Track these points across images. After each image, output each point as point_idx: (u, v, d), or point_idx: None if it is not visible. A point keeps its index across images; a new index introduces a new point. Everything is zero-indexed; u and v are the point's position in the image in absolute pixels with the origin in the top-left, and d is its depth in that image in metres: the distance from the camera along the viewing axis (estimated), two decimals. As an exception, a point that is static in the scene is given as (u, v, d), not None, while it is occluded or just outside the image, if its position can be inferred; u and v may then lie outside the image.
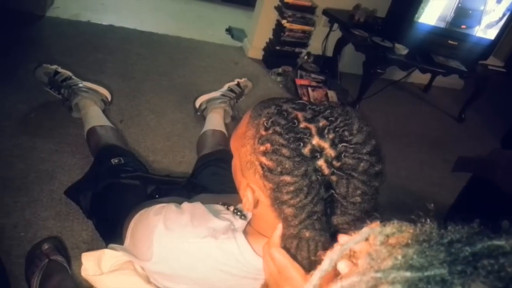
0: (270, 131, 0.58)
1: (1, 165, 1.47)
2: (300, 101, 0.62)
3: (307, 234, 0.56)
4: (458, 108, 3.09)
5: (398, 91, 3.15)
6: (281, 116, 0.59)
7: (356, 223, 0.58)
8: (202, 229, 0.70)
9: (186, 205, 0.78)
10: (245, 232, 0.70)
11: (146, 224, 0.76)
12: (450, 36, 2.61)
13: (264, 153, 0.58)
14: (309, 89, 2.65)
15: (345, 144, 0.56)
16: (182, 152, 1.82)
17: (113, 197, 1.24)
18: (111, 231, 1.08)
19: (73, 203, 1.38)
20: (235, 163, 0.69)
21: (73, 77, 1.82)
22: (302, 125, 0.58)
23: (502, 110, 3.37)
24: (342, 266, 0.36)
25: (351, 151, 0.56)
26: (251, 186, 0.63)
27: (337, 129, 0.57)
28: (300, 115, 0.59)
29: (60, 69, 1.81)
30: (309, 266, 0.57)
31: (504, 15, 2.61)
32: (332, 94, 2.66)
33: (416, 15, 2.48)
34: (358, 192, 0.56)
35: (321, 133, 0.57)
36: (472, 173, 1.81)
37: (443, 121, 3.05)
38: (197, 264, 0.70)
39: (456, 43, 2.63)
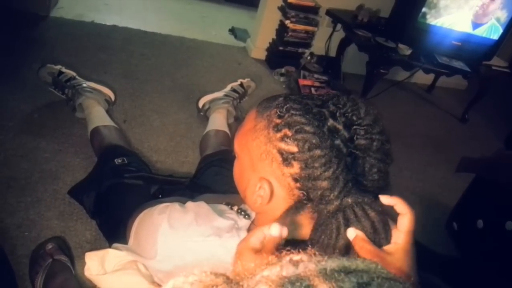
0: (287, 116, 0.59)
1: (5, 165, 1.47)
2: (304, 94, 0.66)
3: (350, 200, 0.56)
4: (461, 109, 3.08)
5: (402, 91, 3.15)
6: (294, 103, 0.61)
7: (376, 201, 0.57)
8: (206, 228, 0.70)
9: (190, 204, 0.78)
10: (249, 231, 0.70)
11: (150, 223, 0.77)
12: (454, 36, 2.61)
13: (283, 138, 0.59)
14: (312, 89, 2.64)
15: (356, 126, 0.59)
16: (185, 152, 1.83)
17: (117, 197, 1.25)
18: (114, 231, 1.08)
19: (77, 203, 1.38)
20: (241, 163, 0.68)
21: (77, 77, 1.82)
22: (315, 110, 0.60)
23: (506, 110, 3.36)
24: None
25: (363, 132, 0.59)
26: (267, 179, 0.62)
27: (346, 114, 0.60)
28: (310, 102, 0.61)
29: (64, 69, 1.81)
30: (373, 229, 0.55)
31: (508, 15, 2.60)
32: (335, 95, 2.66)
33: (420, 16, 2.47)
34: (375, 169, 0.59)
35: (333, 116, 0.59)
36: (475, 174, 1.81)
37: (447, 122, 3.04)
38: (202, 263, 0.70)
39: (459, 43, 2.63)
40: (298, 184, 0.59)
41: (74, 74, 1.83)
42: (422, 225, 1.86)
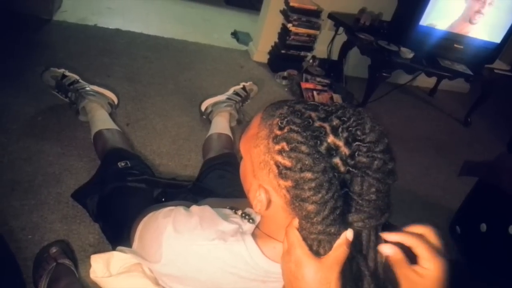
0: (286, 130, 0.58)
1: (9, 168, 1.48)
2: (311, 102, 0.63)
3: (332, 229, 0.56)
4: (464, 112, 3.08)
5: (404, 94, 3.15)
6: (296, 116, 0.59)
7: (371, 221, 0.58)
8: (211, 232, 0.70)
9: (195, 208, 0.78)
10: (253, 235, 0.71)
11: (155, 227, 0.77)
12: (456, 39, 2.61)
13: (280, 152, 0.58)
14: (315, 92, 2.65)
15: (358, 143, 0.57)
16: (188, 156, 1.83)
17: (120, 200, 1.25)
18: (117, 234, 1.08)
19: (80, 206, 1.39)
20: (245, 165, 0.69)
21: (80, 80, 1.83)
22: (317, 124, 0.58)
23: (509, 114, 3.36)
24: None
25: (365, 149, 0.57)
26: (264, 187, 0.63)
27: (350, 128, 0.58)
28: (313, 114, 0.59)
29: (67, 73, 1.82)
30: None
31: (510, 18, 2.60)
32: (337, 98, 2.66)
33: (422, 19, 2.48)
34: (373, 189, 0.57)
35: (335, 132, 0.58)
36: (478, 178, 1.81)
37: (449, 125, 3.04)
38: (206, 267, 0.70)
39: (462, 46, 2.63)
40: (290, 198, 0.59)
41: (77, 77, 1.84)
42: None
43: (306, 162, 0.55)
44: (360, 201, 0.57)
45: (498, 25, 2.63)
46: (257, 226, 0.73)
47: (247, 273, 0.68)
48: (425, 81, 3.24)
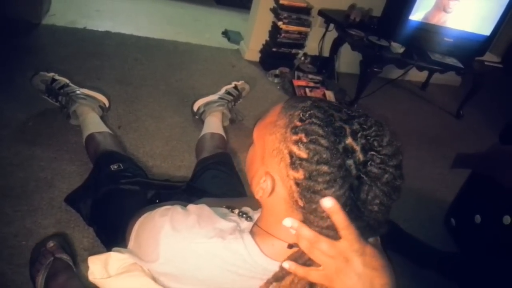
0: (306, 122, 0.59)
1: (1, 174, 1.46)
2: (336, 103, 0.64)
3: None
4: (456, 105, 3.10)
5: (396, 89, 3.16)
6: (319, 111, 0.60)
7: (366, 231, 0.58)
8: (209, 230, 0.70)
9: (192, 206, 0.78)
10: (252, 232, 0.71)
11: (152, 226, 0.76)
12: (446, 33, 2.62)
13: (296, 142, 0.58)
14: (307, 89, 2.65)
15: (374, 152, 0.58)
16: (181, 156, 1.82)
17: (113, 203, 1.24)
18: (112, 238, 1.08)
19: (74, 210, 1.38)
20: (255, 151, 0.69)
21: (70, 84, 1.82)
22: (338, 123, 0.59)
23: (500, 105, 3.38)
24: None
25: (378, 161, 0.57)
26: (271, 174, 0.63)
27: (368, 137, 0.58)
28: (336, 114, 0.60)
29: (57, 77, 1.81)
30: None
31: (499, 10, 2.62)
32: (329, 94, 2.67)
33: (411, 13, 2.48)
34: (377, 201, 0.58)
35: (354, 136, 0.58)
36: (471, 170, 1.81)
37: (442, 118, 3.06)
38: (205, 265, 0.70)
39: (451, 40, 2.64)
40: (298, 189, 0.59)
41: (68, 81, 1.82)
42: (420, 222, 1.88)
43: (324, 156, 0.56)
44: (362, 209, 0.58)
45: (488, 17, 2.64)
46: (255, 224, 0.73)
47: (246, 271, 0.68)
48: (416, 75, 3.25)
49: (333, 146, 0.57)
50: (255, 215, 0.77)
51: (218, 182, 1.45)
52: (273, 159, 0.63)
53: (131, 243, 0.85)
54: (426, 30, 2.57)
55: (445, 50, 2.65)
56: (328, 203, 0.54)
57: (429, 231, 1.85)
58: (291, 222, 0.58)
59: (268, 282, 0.63)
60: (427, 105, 3.20)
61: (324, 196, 0.56)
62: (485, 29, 2.67)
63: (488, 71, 2.88)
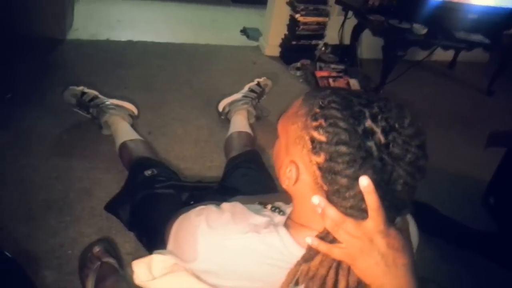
0: (326, 108, 0.61)
1: (42, 188, 1.53)
2: (355, 90, 0.66)
3: (363, 205, 0.58)
4: (486, 82, 3.00)
5: (422, 71, 3.09)
6: (338, 97, 0.62)
7: (391, 210, 0.59)
8: (244, 225, 0.72)
9: (225, 204, 0.80)
10: (286, 225, 0.72)
11: (188, 225, 0.78)
12: (469, 9, 2.53)
13: (317, 128, 0.60)
14: (330, 80, 2.63)
15: (395, 134, 0.58)
16: (210, 157, 1.85)
17: (150, 207, 1.28)
18: (153, 241, 1.11)
19: (114, 217, 1.42)
20: (280, 143, 0.72)
21: (99, 95, 1.87)
22: (357, 108, 0.60)
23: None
24: None
25: (400, 141, 0.58)
26: (296, 163, 0.65)
27: (389, 119, 0.59)
28: (355, 100, 0.61)
29: (86, 89, 1.87)
30: None
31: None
32: (354, 82, 2.64)
33: (432, -8, 2.42)
34: (401, 181, 0.58)
35: (374, 118, 0.59)
36: (506, 148, 1.77)
37: (473, 97, 2.97)
38: (242, 260, 0.71)
39: (475, 16, 2.55)
40: (321, 173, 0.61)
41: (96, 93, 1.88)
42: (458, 204, 1.84)
43: (342, 137, 0.58)
44: (385, 189, 0.58)
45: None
46: (288, 217, 0.74)
47: (284, 263, 0.69)
48: (442, 55, 3.16)
49: (352, 127, 0.58)
50: (288, 209, 0.78)
51: (248, 179, 1.46)
52: (296, 147, 0.65)
53: (170, 245, 0.88)
54: (448, 8, 2.49)
55: (469, 26, 2.57)
56: (365, 181, 0.55)
57: (467, 211, 1.81)
58: (318, 200, 0.60)
59: (298, 264, 0.65)
60: (457, 84, 3.12)
61: (345, 176, 0.58)
62: (510, 1, 2.57)
63: (517, 44, 2.77)
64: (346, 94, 0.63)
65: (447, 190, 1.92)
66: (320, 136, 0.60)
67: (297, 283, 0.66)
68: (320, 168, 0.61)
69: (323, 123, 0.60)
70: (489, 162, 1.89)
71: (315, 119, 0.61)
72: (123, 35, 2.79)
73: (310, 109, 0.63)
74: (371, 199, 0.56)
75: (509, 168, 1.77)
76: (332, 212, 0.59)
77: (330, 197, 0.61)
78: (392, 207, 0.60)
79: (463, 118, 2.61)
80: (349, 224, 0.59)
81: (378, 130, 0.58)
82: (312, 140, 0.61)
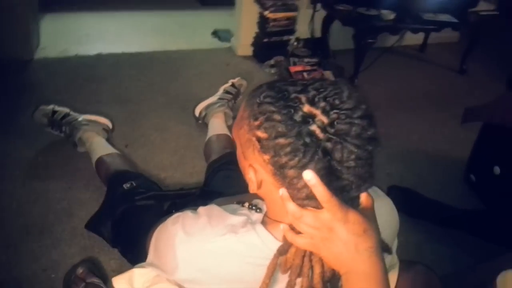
0: (262, 105, 0.61)
1: (20, 213, 1.50)
2: (292, 80, 0.66)
3: None
4: (458, 61, 3.04)
5: (394, 56, 3.11)
6: (272, 90, 0.62)
7: (353, 188, 0.60)
8: (220, 228, 0.71)
9: (201, 208, 0.79)
10: (263, 222, 0.72)
11: (166, 236, 0.77)
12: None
13: (259, 126, 0.60)
14: (304, 74, 2.63)
15: (336, 110, 0.58)
16: (191, 163, 1.83)
17: (132, 221, 1.26)
18: (136, 255, 1.09)
19: (96, 235, 1.39)
20: (238, 150, 0.71)
21: (71, 112, 1.84)
22: (292, 95, 0.60)
23: (503, 53, 3.29)
24: None
25: (343, 117, 0.58)
26: (253, 166, 0.65)
27: (327, 98, 0.59)
28: (290, 88, 0.61)
29: (57, 108, 1.83)
30: None
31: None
32: (328, 74, 2.65)
33: (396, -23, 2.44)
34: (352, 156, 0.58)
35: (311, 102, 0.59)
36: (482, 121, 1.79)
37: (446, 77, 3.00)
38: (223, 262, 0.70)
39: (441, -4, 2.59)
40: (274, 170, 0.61)
41: (68, 110, 1.84)
42: (441, 184, 1.86)
43: (279, 129, 0.58)
44: (340, 168, 0.58)
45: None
46: (265, 215, 0.74)
47: (263, 260, 0.69)
48: (413, 39, 3.19)
49: (287, 117, 0.58)
50: (265, 206, 0.77)
51: (231, 181, 1.45)
52: (248, 151, 0.65)
53: (150, 256, 0.86)
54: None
55: (436, 7, 2.60)
56: (308, 175, 0.55)
57: (451, 191, 1.83)
58: (281, 192, 0.60)
59: (275, 257, 0.65)
60: (429, 66, 3.15)
61: (291, 168, 0.58)
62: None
63: (485, 20, 2.81)
64: (282, 85, 0.63)
65: (429, 171, 1.94)
66: (263, 134, 0.60)
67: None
68: (271, 165, 0.61)
69: (262, 120, 0.60)
70: (467, 140, 1.91)
71: (256, 119, 0.61)
72: (92, 49, 2.75)
73: (251, 110, 0.63)
74: (319, 192, 0.56)
75: (486, 143, 1.79)
76: (291, 207, 0.59)
77: (288, 191, 0.61)
78: (351, 186, 0.60)
79: (438, 99, 2.64)
80: (307, 217, 0.59)
81: (318, 112, 0.58)
82: (258, 139, 0.61)
